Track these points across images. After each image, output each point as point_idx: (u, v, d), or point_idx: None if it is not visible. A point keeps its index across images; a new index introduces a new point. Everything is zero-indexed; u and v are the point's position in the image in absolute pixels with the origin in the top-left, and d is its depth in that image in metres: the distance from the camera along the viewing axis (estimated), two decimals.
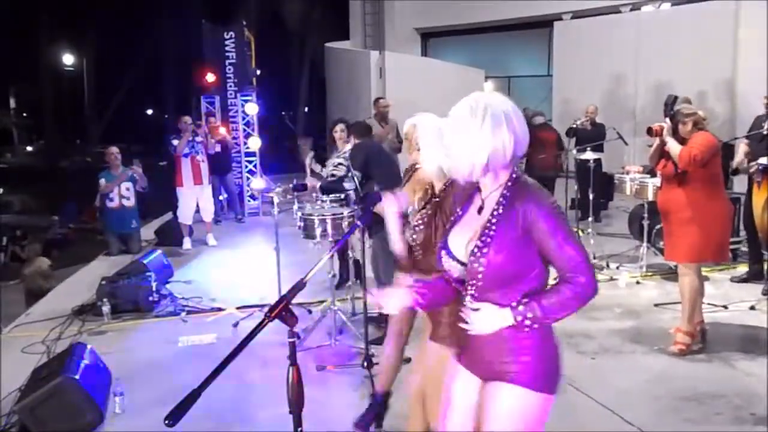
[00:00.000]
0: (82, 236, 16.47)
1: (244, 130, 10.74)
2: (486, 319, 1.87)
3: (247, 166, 10.75)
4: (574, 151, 7.73)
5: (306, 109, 15.64)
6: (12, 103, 38.18)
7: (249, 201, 10.67)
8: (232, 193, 10.25)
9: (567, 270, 1.82)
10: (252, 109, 10.51)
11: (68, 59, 32.93)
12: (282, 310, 1.73)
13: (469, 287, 1.92)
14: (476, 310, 1.88)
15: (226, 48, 10.86)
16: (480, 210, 1.94)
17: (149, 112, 34.29)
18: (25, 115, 39.05)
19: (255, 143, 10.64)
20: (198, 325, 5.42)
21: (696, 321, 4.49)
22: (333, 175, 5.47)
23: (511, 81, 15.40)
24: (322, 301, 5.39)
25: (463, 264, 1.92)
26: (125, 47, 24.90)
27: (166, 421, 1.62)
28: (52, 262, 9.42)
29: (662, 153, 4.54)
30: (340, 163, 5.32)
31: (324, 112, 14.49)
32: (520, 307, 1.83)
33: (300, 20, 15.68)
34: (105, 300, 5.53)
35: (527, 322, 1.83)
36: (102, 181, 7.99)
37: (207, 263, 7.60)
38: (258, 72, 11.07)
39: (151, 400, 3.97)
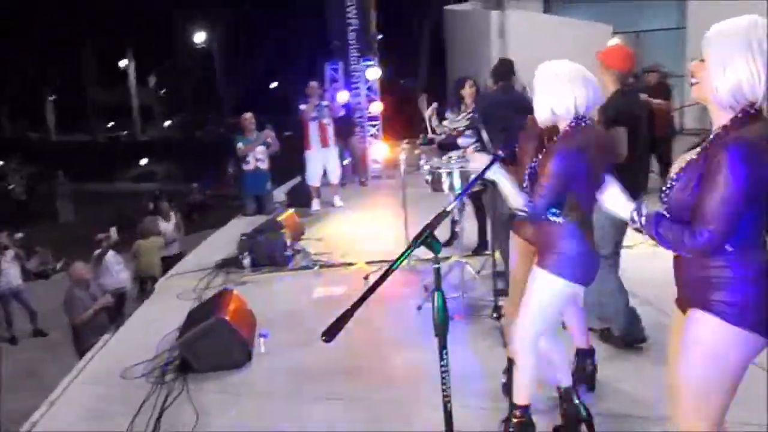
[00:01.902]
0: (218, 201, 17.69)
1: (367, 95, 10.95)
2: (612, 198, 2.02)
3: (370, 131, 10.98)
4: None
5: (427, 73, 15.66)
6: (151, 81, 41.06)
7: (372, 164, 10.92)
8: (356, 156, 10.53)
9: (698, 217, 1.78)
10: (373, 74, 10.69)
11: (199, 37, 34.87)
12: (427, 237, 1.81)
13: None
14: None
15: (348, 15, 11.06)
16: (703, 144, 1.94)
17: (274, 84, 35.69)
18: (163, 92, 41.89)
19: (377, 107, 10.83)
20: (330, 278, 5.69)
21: None
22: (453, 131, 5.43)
23: (641, 36, 14.50)
24: (448, 257, 5.48)
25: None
26: (253, 23, 25.96)
27: (323, 337, 1.76)
28: (192, 224, 10.18)
29: None
30: (466, 118, 5.29)
31: (444, 76, 14.42)
32: (641, 215, 1.92)
33: None
34: (246, 254, 5.93)
35: (636, 226, 1.94)
36: (239, 145, 8.45)
37: (335, 222, 7.92)
38: (380, 36, 11.17)
39: (291, 342, 4.27)
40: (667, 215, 1.88)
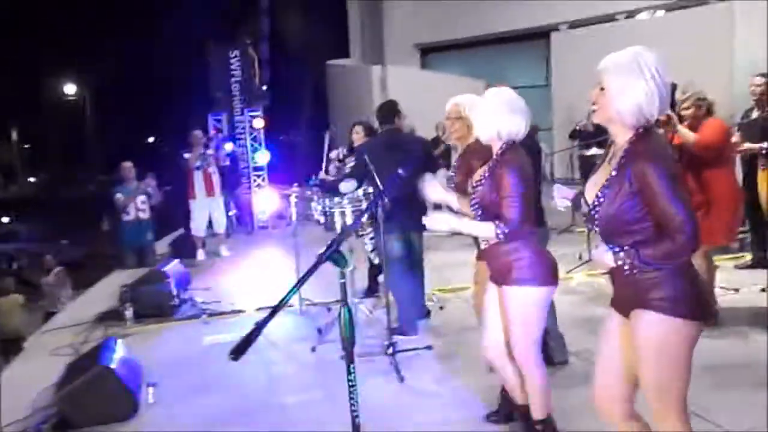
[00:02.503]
0: (92, 260, 16.64)
1: (252, 145, 10.92)
2: (599, 256, 2.07)
3: (255, 180, 10.91)
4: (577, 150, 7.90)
5: (310, 125, 15.95)
6: (14, 135, 38.51)
7: (259, 214, 10.81)
8: (242, 207, 10.40)
9: (669, 227, 1.94)
10: (259, 123, 10.72)
11: (70, 89, 33.36)
12: (333, 251, 1.85)
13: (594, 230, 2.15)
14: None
15: (231, 66, 11.10)
16: (610, 160, 2.13)
17: (150, 140, 34.57)
18: (27, 146, 39.36)
19: (263, 157, 10.82)
20: (219, 326, 5.52)
21: None
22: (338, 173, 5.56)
23: None
24: (339, 301, 5.49)
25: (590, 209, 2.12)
26: (127, 73, 25.22)
27: (232, 356, 1.72)
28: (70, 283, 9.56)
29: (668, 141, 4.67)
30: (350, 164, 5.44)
31: (326, 128, 14.71)
32: (621, 253, 2.00)
33: (300, 39, 15.98)
34: (127, 305, 5.64)
35: (626, 267, 2.00)
36: (118, 195, 8.12)
37: (223, 272, 7.72)
38: (264, 88, 11.27)
39: (182, 391, 4.09)
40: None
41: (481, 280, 3.30)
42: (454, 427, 3.40)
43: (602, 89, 2.08)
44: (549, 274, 2.71)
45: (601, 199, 2.05)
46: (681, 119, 4.58)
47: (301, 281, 1.86)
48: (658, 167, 1.95)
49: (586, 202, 2.16)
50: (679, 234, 1.92)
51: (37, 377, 4.30)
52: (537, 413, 2.80)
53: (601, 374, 2.25)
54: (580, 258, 6.32)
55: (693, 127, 4.51)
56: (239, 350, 1.73)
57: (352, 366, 1.89)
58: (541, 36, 14.59)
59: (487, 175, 2.72)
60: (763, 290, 5.37)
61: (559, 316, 4.07)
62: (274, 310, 1.82)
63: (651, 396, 2.08)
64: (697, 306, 2.03)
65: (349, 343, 1.88)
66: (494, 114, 2.69)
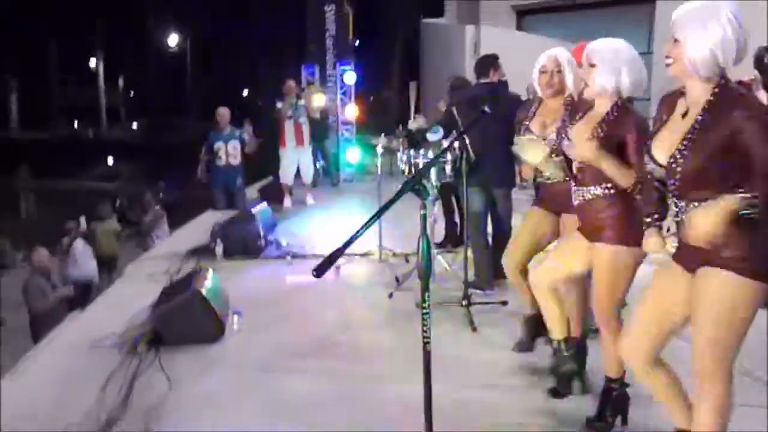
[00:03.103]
0: (187, 202, 17.50)
1: (342, 99, 11.07)
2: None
3: (344, 134, 11.10)
4: None
5: (401, 83, 15.96)
6: (120, 82, 40.60)
7: (345, 168, 11.01)
8: (329, 158, 10.61)
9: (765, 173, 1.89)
10: (350, 78, 10.83)
11: (173, 40, 34.70)
12: (417, 182, 1.91)
13: (670, 187, 2.10)
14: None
15: (326, 20, 11.23)
16: (684, 115, 2.07)
17: (245, 93, 35.59)
18: (132, 94, 41.43)
19: (352, 112, 10.96)
20: (302, 268, 5.71)
21: None
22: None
23: None
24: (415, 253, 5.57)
25: (662, 166, 2.09)
26: (227, 27, 25.94)
27: (314, 273, 1.84)
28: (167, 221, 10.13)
29: None
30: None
31: (418, 87, 14.68)
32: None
33: None
34: (218, 241, 5.95)
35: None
36: (215, 142, 8.48)
37: (308, 219, 7.98)
38: (357, 43, 11.35)
39: (265, 322, 4.32)
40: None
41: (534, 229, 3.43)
42: (520, 375, 3.46)
43: (676, 41, 2.02)
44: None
45: (684, 152, 2.01)
46: (766, 86, 4.32)
47: (384, 209, 1.94)
48: (753, 115, 1.90)
49: (654, 160, 2.13)
50: None
51: (135, 298, 4.65)
52: (611, 371, 2.79)
53: (638, 323, 2.25)
54: None
55: None
56: (321, 268, 1.84)
57: (427, 294, 1.97)
58: (645, 2, 13.85)
59: (602, 132, 2.64)
60: None
61: None
62: (355, 236, 1.92)
63: (705, 352, 2.05)
64: None
65: (425, 273, 1.95)
66: (619, 66, 2.61)
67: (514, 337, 3.87)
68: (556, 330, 3.11)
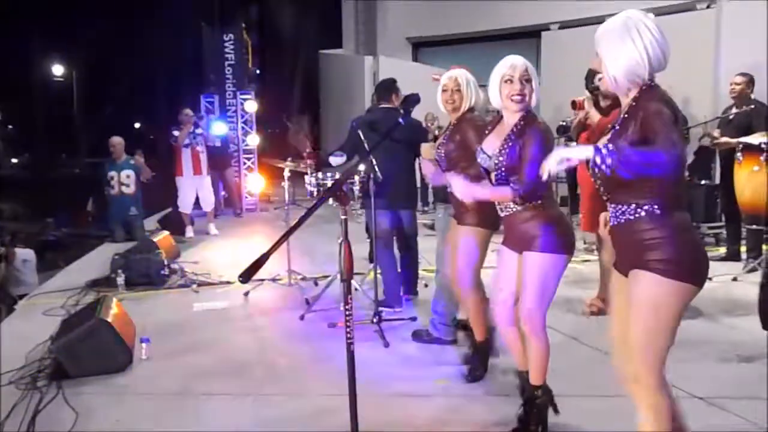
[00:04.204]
0: (76, 240, 16.58)
1: (243, 128, 11.02)
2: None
3: (245, 163, 11.01)
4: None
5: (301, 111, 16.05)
6: None
7: (247, 197, 10.91)
8: (231, 188, 10.49)
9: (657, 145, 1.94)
10: (251, 106, 10.81)
11: (58, 70, 33.07)
12: (337, 189, 2.00)
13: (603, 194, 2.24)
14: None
15: (225, 49, 11.19)
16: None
17: (137, 125, 34.29)
18: (10, 127, 38.92)
19: (253, 140, 10.92)
20: (209, 295, 5.65)
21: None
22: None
23: None
24: (327, 276, 5.62)
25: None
26: (118, 56, 25.10)
27: (240, 278, 1.87)
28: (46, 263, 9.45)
29: (584, 126, 4.88)
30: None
31: (317, 116, 14.87)
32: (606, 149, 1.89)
33: (294, 28, 16.10)
34: (119, 272, 5.74)
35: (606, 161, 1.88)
36: (109, 171, 8.26)
37: (211, 248, 7.84)
38: (257, 72, 11.38)
39: (174, 349, 4.23)
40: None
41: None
42: (434, 386, 3.59)
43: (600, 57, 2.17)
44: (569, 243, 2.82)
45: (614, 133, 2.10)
46: (597, 104, 4.78)
47: (309, 213, 2.00)
48: (660, 108, 1.99)
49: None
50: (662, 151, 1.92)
51: (31, 334, 4.40)
52: (535, 379, 2.87)
53: (616, 343, 2.28)
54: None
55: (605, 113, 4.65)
56: (247, 274, 1.88)
57: (349, 297, 2.04)
58: (531, 35, 14.79)
59: (510, 143, 2.78)
60: (734, 279, 5.64)
61: None
62: (278, 242, 1.96)
63: (635, 354, 2.12)
64: (694, 270, 2.08)
65: (348, 275, 2.03)
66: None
67: (422, 350, 4.07)
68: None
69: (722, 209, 6.93)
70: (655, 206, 2.05)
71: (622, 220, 2.13)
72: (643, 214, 2.07)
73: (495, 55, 3.18)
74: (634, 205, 2.08)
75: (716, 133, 6.22)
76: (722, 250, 6.70)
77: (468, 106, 3.65)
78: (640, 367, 2.11)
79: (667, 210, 2.06)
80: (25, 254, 7.23)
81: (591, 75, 5.13)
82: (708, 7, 11.54)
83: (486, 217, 3.33)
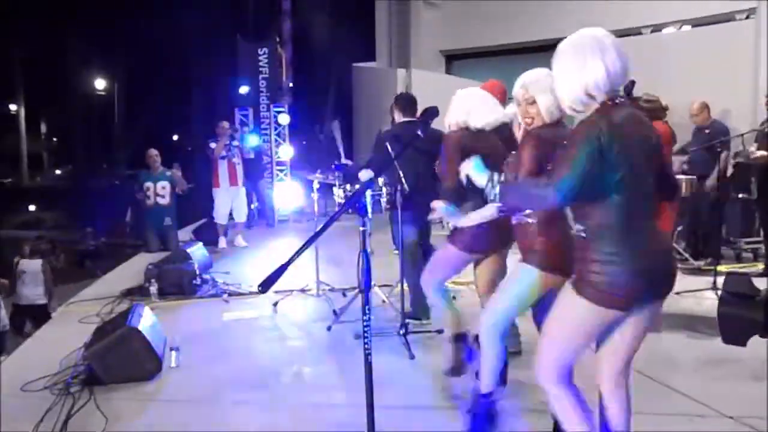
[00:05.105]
0: (113, 249, 16.96)
1: (276, 140, 11.17)
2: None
3: (278, 175, 11.15)
4: None
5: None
6: (43, 128, 39.30)
7: (279, 208, 11.02)
8: (263, 200, 10.61)
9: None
10: (284, 119, 10.96)
11: (100, 84, 34.00)
12: (356, 201, 2.04)
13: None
14: None
15: (260, 63, 11.38)
16: None
17: (175, 137, 34.95)
18: (54, 140, 40.11)
19: (286, 152, 11.05)
20: (239, 305, 5.72)
21: None
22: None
23: None
24: (355, 287, 5.66)
25: None
26: (156, 71, 25.69)
27: (259, 288, 1.91)
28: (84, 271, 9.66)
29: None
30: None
31: (350, 129, 14.97)
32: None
33: (327, 41, 16.29)
34: (152, 281, 5.86)
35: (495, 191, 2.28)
36: (145, 182, 8.48)
37: (243, 259, 7.94)
38: (291, 85, 11.54)
39: (202, 358, 4.29)
40: None
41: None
42: (460, 398, 3.57)
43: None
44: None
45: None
46: None
47: (327, 225, 2.04)
48: (573, 134, 2.09)
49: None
50: (554, 189, 2.02)
51: (66, 340, 4.53)
52: (483, 387, 2.93)
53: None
54: None
55: None
56: (267, 283, 1.91)
57: (367, 307, 2.06)
58: None
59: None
60: None
61: None
62: (297, 253, 2.00)
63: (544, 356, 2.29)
64: (603, 292, 2.08)
65: (365, 287, 2.05)
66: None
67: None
68: None
69: (761, 224, 6.77)
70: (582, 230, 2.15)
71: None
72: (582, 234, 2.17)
73: (529, 67, 3.12)
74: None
75: (754, 147, 6.09)
76: (760, 266, 6.53)
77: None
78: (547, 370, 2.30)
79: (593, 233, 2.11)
80: (26, 265, 7.07)
81: (630, 87, 5.06)
82: (747, 17, 11.30)
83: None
